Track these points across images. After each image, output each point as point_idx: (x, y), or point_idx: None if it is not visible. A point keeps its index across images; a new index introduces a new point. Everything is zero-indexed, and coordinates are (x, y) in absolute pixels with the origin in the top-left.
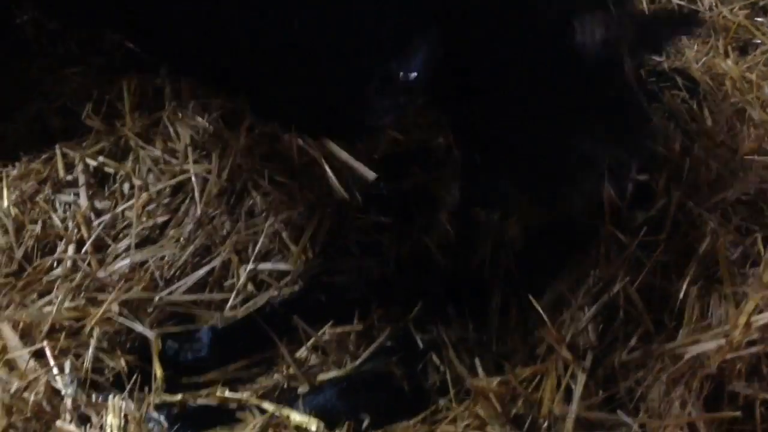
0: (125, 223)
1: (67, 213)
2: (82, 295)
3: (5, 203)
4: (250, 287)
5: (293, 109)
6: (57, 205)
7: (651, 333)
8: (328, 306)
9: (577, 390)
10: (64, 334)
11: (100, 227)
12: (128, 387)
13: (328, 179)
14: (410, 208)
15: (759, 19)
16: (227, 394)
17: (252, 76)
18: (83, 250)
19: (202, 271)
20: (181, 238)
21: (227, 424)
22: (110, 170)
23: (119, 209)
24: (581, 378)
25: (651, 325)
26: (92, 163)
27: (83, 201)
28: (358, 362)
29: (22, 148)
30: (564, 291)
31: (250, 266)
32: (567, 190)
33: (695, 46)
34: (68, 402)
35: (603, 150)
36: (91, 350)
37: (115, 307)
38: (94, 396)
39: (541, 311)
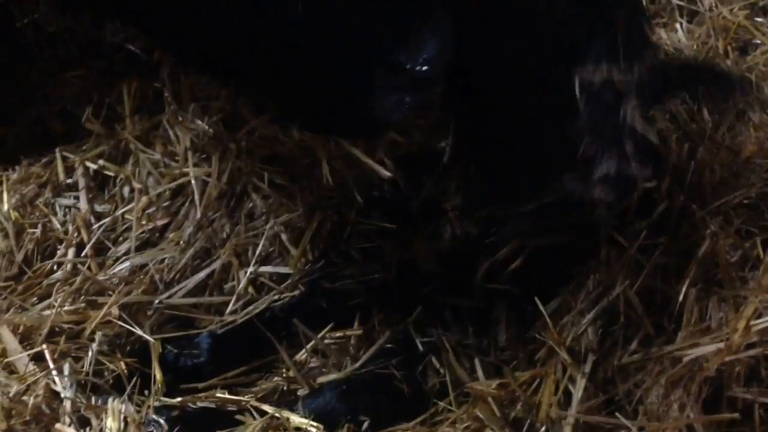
0: (125, 226)
1: (67, 216)
2: (81, 298)
3: (5, 207)
4: (250, 290)
5: (298, 100)
6: (57, 208)
7: (651, 336)
8: (329, 311)
9: (576, 393)
10: (63, 337)
11: (100, 230)
12: (128, 390)
13: (328, 182)
14: (412, 213)
15: (759, 20)
16: (227, 396)
17: (256, 63)
18: (83, 254)
19: (202, 274)
20: (181, 242)
21: (227, 427)
22: (110, 174)
23: (119, 212)
24: (580, 381)
25: (651, 328)
26: (92, 166)
27: (83, 204)
28: (358, 365)
29: (22, 152)
30: (565, 295)
31: (251, 269)
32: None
33: (695, 47)
34: (67, 405)
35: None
36: (90, 353)
37: (115, 311)
38: (93, 399)
39: (545, 313)
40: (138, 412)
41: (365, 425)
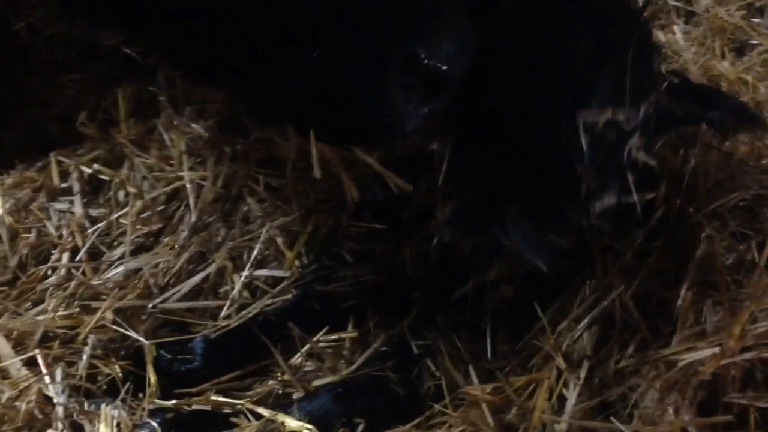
0: (120, 230)
1: (62, 221)
2: (76, 303)
3: (0, 212)
4: (245, 294)
5: (304, 99)
6: (51, 213)
7: (647, 340)
8: (323, 314)
9: (571, 398)
10: (57, 342)
11: (95, 235)
12: (122, 394)
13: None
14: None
15: (756, 20)
16: (222, 399)
17: (258, 61)
18: (77, 258)
19: (196, 278)
20: (176, 246)
21: (222, 430)
22: (105, 178)
23: (114, 217)
24: (575, 386)
25: (647, 332)
26: (87, 170)
27: (78, 209)
28: (353, 368)
29: (18, 156)
30: (561, 300)
31: (245, 273)
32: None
33: (693, 48)
34: (60, 410)
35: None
36: (84, 358)
37: (109, 315)
38: (86, 404)
39: (544, 320)
40: (132, 414)
41: (360, 428)
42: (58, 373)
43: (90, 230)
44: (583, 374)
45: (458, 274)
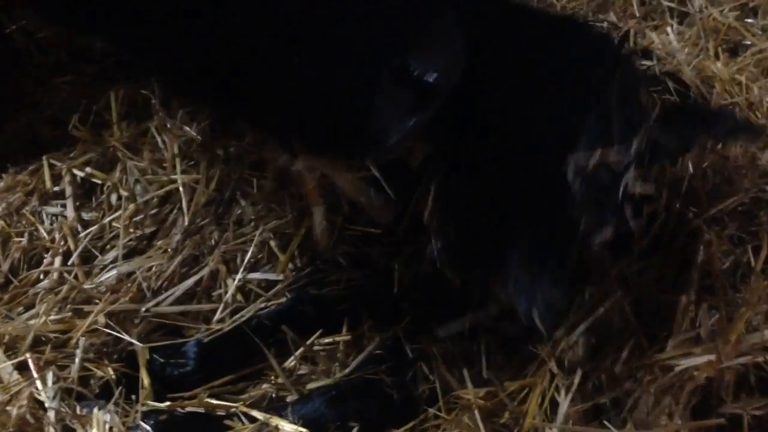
0: (112, 234)
1: (54, 225)
2: (68, 307)
3: None
4: (238, 297)
5: (287, 109)
6: (44, 216)
7: (643, 345)
8: (317, 318)
9: (564, 403)
10: (49, 346)
11: (87, 239)
12: (115, 397)
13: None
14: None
15: (749, 20)
16: (216, 402)
17: (241, 64)
18: (70, 262)
19: (190, 282)
20: (169, 249)
21: None
22: (97, 181)
23: (106, 220)
24: (568, 391)
25: (643, 337)
26: (79, 174)
27: (70, 212)
28: (347, 371)
29: (10, 160)
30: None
31: (239, 276)
32: None
33: (686, 49)
34: (52, 415)
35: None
36: (77, 361)
37: (102, 319)
38: (79, 408)
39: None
40: (126, 416)
41: (354, 431)
42: (50, 377)
43: (82, 234)
44: (576, 380)
45: (448, 294)
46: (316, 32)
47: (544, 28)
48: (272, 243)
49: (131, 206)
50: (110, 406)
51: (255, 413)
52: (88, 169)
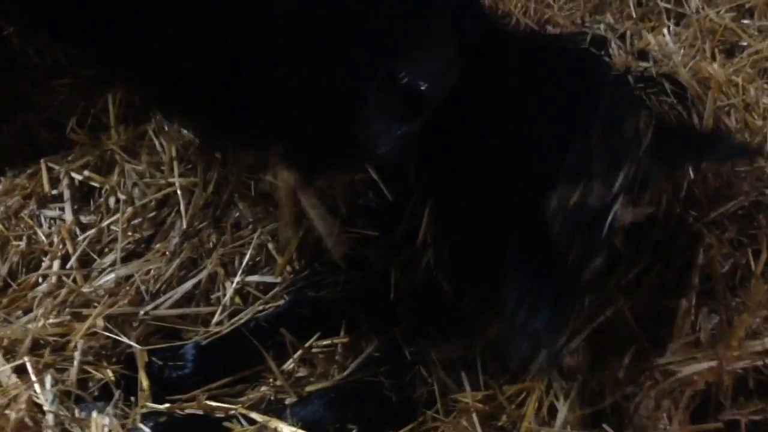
0: (111, 237)
1: (52, 228)
2: (66, 310)
3: None
4: (236, 300)
5: (273, 120)
6: (42, 220)
7: (644, 350)
8: (315, 320)
9: (562, 408)
10: (48, 349)
11: (86, 242)
12: (114, 400)
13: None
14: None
15: (746, 22)
16: (214, 404)
17: (225, 73)
18: (68, 266)
19: (188, 285)
20: (167, 252)
21: None
22: (95, 184)
23: (104, 224)
24: (566, 396)
25: (645, 342)
26: (77, 177)
27: (68, 216)
28: (345, 373)
29: (7, 163)
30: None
31: (237, 279)
32: None
33: (682, 50)
34: (50, 418)
35: None
36: (75, 364)
37: (100, 322)
38: (77, 411)
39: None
40: (125, 418)
41: None
42: (48, 381)
43: (81, 237)
44: (575, 384)
45: (444, 303)
46: (303, 39)
47: (528, 57)
48: (270, 246)
49: (129, 209)
50: (109, 408)
51: (254, 415)
52: (86, 173)
